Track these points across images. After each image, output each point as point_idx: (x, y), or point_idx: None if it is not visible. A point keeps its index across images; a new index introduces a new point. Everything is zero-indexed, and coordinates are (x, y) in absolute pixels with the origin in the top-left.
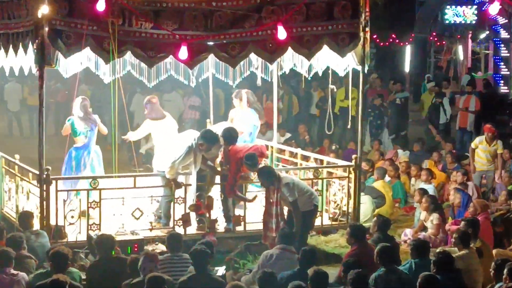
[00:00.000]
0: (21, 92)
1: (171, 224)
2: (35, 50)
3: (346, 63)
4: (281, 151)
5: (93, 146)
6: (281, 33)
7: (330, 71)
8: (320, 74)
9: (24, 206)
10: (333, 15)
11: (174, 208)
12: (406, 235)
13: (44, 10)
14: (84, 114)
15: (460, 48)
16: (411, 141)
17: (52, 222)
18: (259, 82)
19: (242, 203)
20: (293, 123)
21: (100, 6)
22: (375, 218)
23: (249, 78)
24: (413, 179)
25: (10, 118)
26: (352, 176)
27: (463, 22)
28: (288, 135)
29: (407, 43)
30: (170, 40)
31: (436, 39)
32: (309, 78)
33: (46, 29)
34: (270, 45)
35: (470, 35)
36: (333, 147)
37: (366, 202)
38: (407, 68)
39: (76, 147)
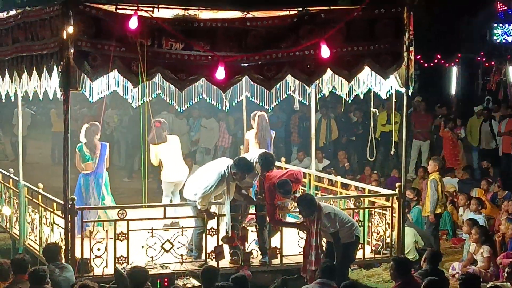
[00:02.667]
0: (29, 117)
1: (203, 257)
2: (60, 73)
3: (389, 85)
4: (320, 179)
5: (103, 173)
6: (325, 51)
7: (372, 94)
8: (362, 97)
9: (48, 238)
10: (375, 34)
11: (206, 240)
12: (454, 269)
13: (69, 30)
14: (88, 141)
15: (510, 69)
16: (458, 168)
17: (78, 254)
18: (296, 105)
19: (278, 234)
20: (332, 149)
21: (133, 24)
22: (427, 251)
23: (286, 101)
24: (461, 209)
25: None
26: (395, 205)
27: None
28: (326, 162)
29: (453, 64)
30: (202, 62)
31: (484, 59)
32: (349, 101)
33: (72, 50)
34: (308, 66)
35: None
36: (376, 174)
37: (408, 233)
38: (453, 90)
39: (85, 174)
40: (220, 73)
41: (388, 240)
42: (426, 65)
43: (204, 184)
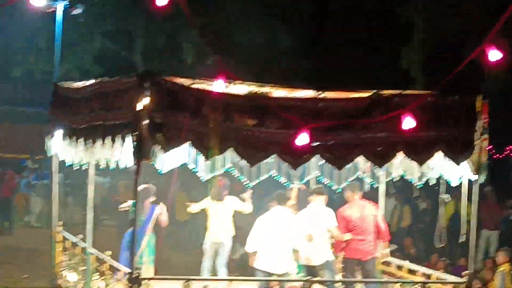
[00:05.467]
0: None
1: None
2: (134, 143)
3: (460, 173)
4: (387, 264)
5: (148, 234)
6: (408, 123)
7: (442, 180)
8: (434, 182)
9: None
10: (448, 121)
11: None
12: None
13: (144, 102)
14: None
15: None
16: None
17: None
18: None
19: None
20: (400, 235)
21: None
22: None
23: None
24: None
25: None
26: None
27: None
28: (393, 246)
29: None
30: (274, 138)
31: None
32: (418, 187)
33: (146, 121)
34: (379, 148)
35: None
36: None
37: None
38: None
39: (132, 231)
40: (304, 139)
41: None
42: (496, 156)
43: None
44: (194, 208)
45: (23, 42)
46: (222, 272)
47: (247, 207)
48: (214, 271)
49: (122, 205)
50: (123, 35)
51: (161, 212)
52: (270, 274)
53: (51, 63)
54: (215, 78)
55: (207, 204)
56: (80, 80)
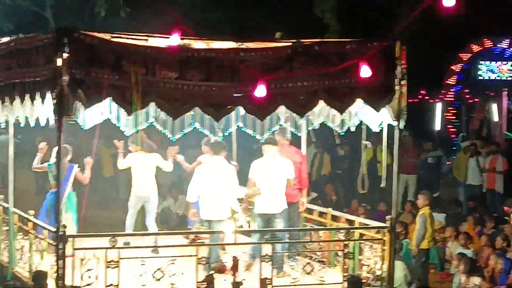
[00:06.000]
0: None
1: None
2: (54, 100)
3: (380, 119)
4: (310, 211)
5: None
6: (365, 71)
7: (363, 127)
8: (353, 129)
9: (37, 265)
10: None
11: (197, 270)
12: None
13: (63, 58)
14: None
15: (494, 106)
16: (444, 202)
17: (68, 282)
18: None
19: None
20: (321, 182)
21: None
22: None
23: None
24: (449, 243)
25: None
26: (386, 238)
27: (498, 78)
28: (314, 194)
29: (438, 100)
30: (196, 91)
31: (468, 96)
32: (341, 134)
33: (66, 78)
34: (301, 97)
35: (506, 93)
36: (363, 207)
37: (398, 266)
38: (438, 126)
39: (52, 192)
40: (261, 91)
41: (379, 272)
42: (410, 100)
43: None
44: (121, 164)
45: None
46: (153, 230)
47: (167, 165)
48: (143, 228)
49: (37, 166)
50: None
51: (79, 170)
52: (210, 222)
53: None
54: (135, 31)
55: (132, 158)
56: None
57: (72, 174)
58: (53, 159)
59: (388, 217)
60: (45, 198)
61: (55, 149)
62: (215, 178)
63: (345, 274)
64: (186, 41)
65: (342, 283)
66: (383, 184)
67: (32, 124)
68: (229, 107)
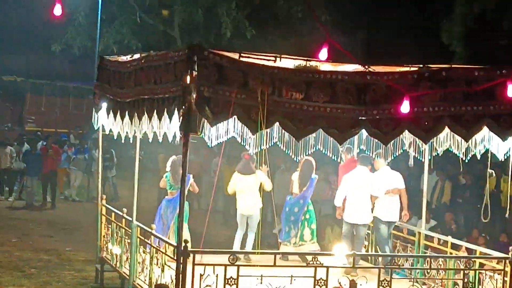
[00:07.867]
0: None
1: None
2: (181, 117)
3: (507, 147)
4: (429, 238)
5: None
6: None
7: (489, 155)
8: (478, 157)
9: (158, 278)
10: (495, 95)
11: None
12: None
13: (192, 76)
14: (173, 172)
15: None
16: None
17: None
18: (411, 162)
19: None
20: (441, 210)
21: None
22: None
23: (401, 157)
24: None
25: None
26: (508, 269)
27: None
28: (433, 222)
29: None
30: (321, 113)
31: None
32: (466, 161)
33: (194, 95)
34: (426, 123)
35: None
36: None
37: None
38: None
39: (167, 199)
40: (405, 107)
41: None
42: None
43: None
44: (230, 189)
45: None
46: (251, 238)
47: (268, 183)
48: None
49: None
50: (161, 9)
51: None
52: (353, 225)
53: (90, 38)
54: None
55: (235, 179)
56: (119, 54)
57: (188, 184)
58: (168, 168)
59: (511, 247)
60: (160, 204)
61: (171, 158)
62: (361, 187)
63: None
64: (312, 63)
65: None
66: (507, 215)
67: (160, 139)
68: (353, 129)
